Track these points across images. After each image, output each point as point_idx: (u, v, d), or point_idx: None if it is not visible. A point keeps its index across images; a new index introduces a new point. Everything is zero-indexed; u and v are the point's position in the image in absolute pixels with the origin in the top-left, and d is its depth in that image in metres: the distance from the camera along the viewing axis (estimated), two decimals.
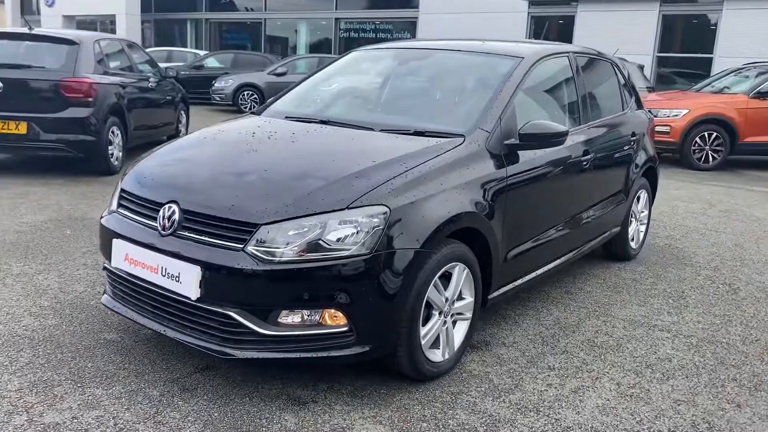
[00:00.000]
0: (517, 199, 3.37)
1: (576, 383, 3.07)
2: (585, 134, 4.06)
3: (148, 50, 19.82)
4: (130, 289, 2.94)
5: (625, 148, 4.62)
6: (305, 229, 2.57)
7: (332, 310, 2.61)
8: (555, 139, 3.38)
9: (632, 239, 5.04)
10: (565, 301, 4.14)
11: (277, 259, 2.53)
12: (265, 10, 23.07)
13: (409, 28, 19.67)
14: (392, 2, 20.11)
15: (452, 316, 3.06)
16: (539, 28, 17.42)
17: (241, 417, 2.64)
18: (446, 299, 2.97)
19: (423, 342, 2.86)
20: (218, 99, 15.42)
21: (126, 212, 3.02)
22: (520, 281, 3.57)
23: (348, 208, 2.62)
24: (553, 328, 3.69)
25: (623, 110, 4.83)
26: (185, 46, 25.19)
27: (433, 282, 2.84)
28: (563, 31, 17.20)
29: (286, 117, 3.68)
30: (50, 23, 26.60)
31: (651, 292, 4.40)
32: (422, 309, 2.80)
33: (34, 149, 6.84)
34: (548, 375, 3.13)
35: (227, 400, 2.76)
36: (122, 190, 3.12)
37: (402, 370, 2.90)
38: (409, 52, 4.25)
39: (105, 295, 3.14)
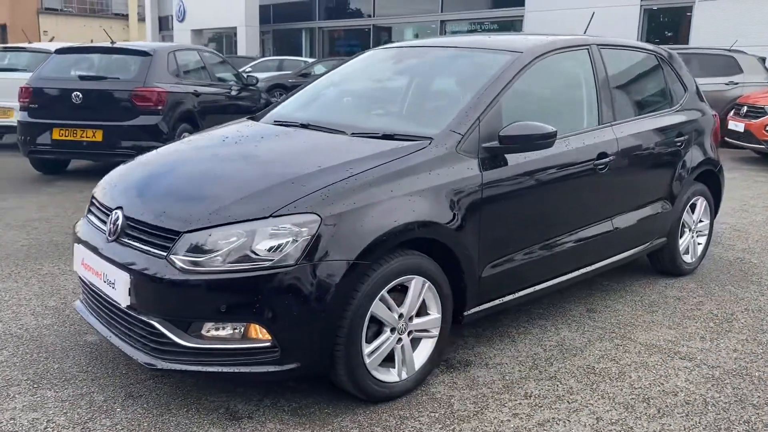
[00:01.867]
0: (500, 208, 3.07)
1: (547, 415, 2.73)
2: (604, 135, 3.64)
3: (263, 59, 20.75)
4: (88, 294, 2.99)
5: (667, 149, 4.12)
6: (227, 238, 2.46)
7: (256, 325, 2.48)
8: (540, 141, 3.04)
9: (685, 252, 4.49)
10: (582, 319, 3.74)
11: (197, 268, 2.45)
12: (374, 16, 23.33)
13: (516, 27, 19.07)
14: (498, 1, 19.61)
15: (411, 333, 2.83)
16: (653, 22, 16.26)
17: (169, 429, 2.58)
18: (400, 315, 2.75)
19: (368, 361, 2.66)
20: None
21: (89, 217, 3.07)
22: (509, 297, 3.25)
23: (272, 216, 2.48)
24: (553, 350, 3.33)
25: (670, 107, 4.30)
26: (300, 55, 26.06)
27: (379, 296, 2.63)
28: (680, 23, 15.93)
29: (275, 121, 3.60)
30: (181, 37, 28.53)
31: (692, 313, 3.88)
32: (364, 325, 2.61)
33: (110, 155, 7.25)
34: (519, 403, 2.82)
35: (165, 410, 2.71)
36: (92, 196, 3.17)
37: (347, 390, 2.72)
38: (409, 50, 4.03)
39: (77, 300, 3.21)
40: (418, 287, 2.78)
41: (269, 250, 2.44)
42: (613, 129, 3.71)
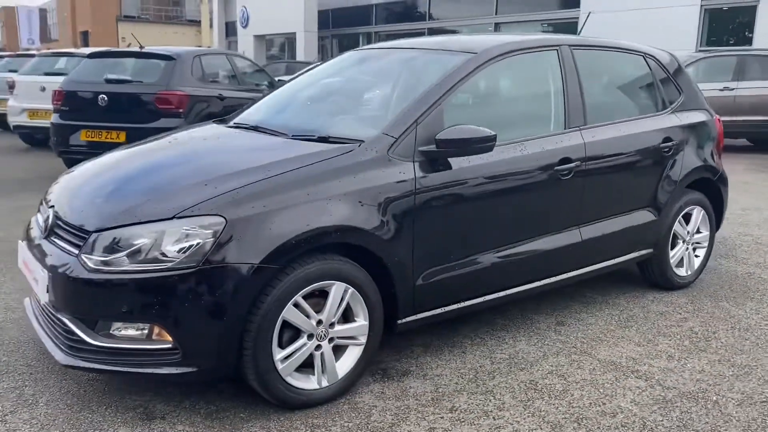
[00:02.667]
0: (438, 214, 2.98)
1: (465, 431, 2.62)
2: (570, 140, 3.47)
3: (317, 63, 20.98)
4: (30, 290, 3.07)
5: (650, 155, 3.89)
6: (134, 239, 2.48)
7: (158, 326, 2.49)
8: (478, 145, 2.93)
9: (678, 265, 4.23)
10: (546, 332, 3.58)
11: (104, 267, 2.47)
12: (429, 20, 23.24)
13: (571, 29, 18.58)
14: (553, 3, 19.16)
15: (332, 340, 2.77)
16: (714, 22, 15.50)
17: (81, 426, 2.62)
18: (319, 321, 2.70)
19: (281, 367, 2.62)
20: None
21: (37, 215, 3.16)
22: (452, 307, 3.14)
23: (176, 217, 2.48)
24: (501, 363, 3.20)
25: (658, 111, 4.06)
26: None
27: (292, 301, 2.59)
28: (743, 24, 15.12)
29: (234, 123, 3.61)
30: (244, 42, 29.28)
31: (670, 329, 3.65)
32: (275, 330, 2.57)
33: None
34: (441, 417, 2.71)
35: (85, 406, 2.76)
36: (44, 195, 3.26)
37: (262, 396, 2.68)
38: (377, 53, 3.95)
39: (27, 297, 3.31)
40: (339, 293, 2.72)
41: (179, 251, 2.44)
42: (582, 133, 3.53)
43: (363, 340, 2.85)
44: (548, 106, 3.53)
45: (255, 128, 3.38)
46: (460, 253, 3.11)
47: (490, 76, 3.33)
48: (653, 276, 4.20)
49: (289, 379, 2.67)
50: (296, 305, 2.62)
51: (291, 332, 2.67)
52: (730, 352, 3.38)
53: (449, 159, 3.01)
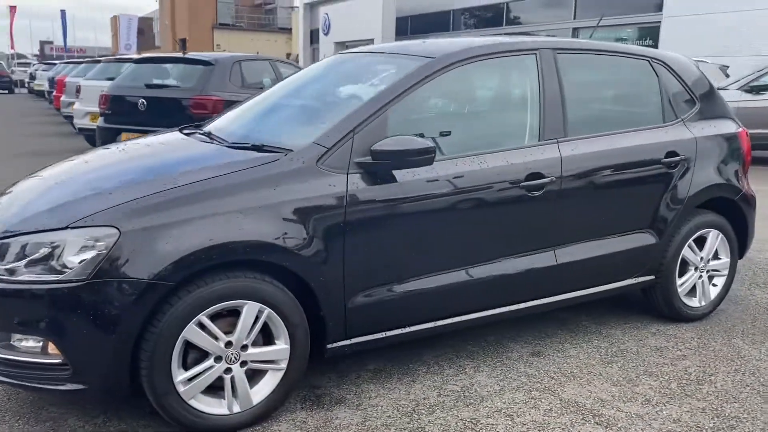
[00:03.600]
0: (375, 232, 2.74)
1: None
2: (543, 153, 3.14)
3: None
4: None
5: (649, 171, 3.48)
6: (29, 248, 2.40)
7: (48, 339, 2.39)
8: (414, 157, 2.68)
9: (689, 294, 3.78)
10: (515, 363, 3.25)
11: (2, 277, 2.41)
12: (506, 25, 22.69)
13: (652, 35, 17.58)
14: (633, 7, 18.20)
15: (245, 363, 2.59)
16: None
17: None
18: (228, 343, 2.53)
19: (182, 389, 2.47)
20: None
21: None
22: (394, 332, 2.89)
23: (69, 227, 2.38)
24: (449, 396, 2.92)
25: (665, 122, 3.63)
26: None
27: (195, 321, 2.44)
28: None
29: (189, 131, 3.50)
30: (325, 48, 29.72)
31: (660, 368, 3.23)
32: (174, 351, 2.42)
33: None
34: None
35: (1, 418, 2.71)
36: None
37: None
38: (347, 56, 3.73)
39: None
40: (251, 314, 2.54)
41: (60, 263, 2.34)
42: (560, 147, 3.19)
43: (284, 365, 2.66)
44: (519, 116, 3.21)
45: (207, 135, 3.26)
46: (402, 275, 2.85)
47: (451, 83, 3.05)
48: (658, 306, 3.77)
49: (194, 402, 2.51)
50: (202, 325, 2.46)
51: (197, 353, 2.51)
52: (721, 399, 2.95)
53: (393, 172, 2.78)
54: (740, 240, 3.94)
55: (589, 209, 3.31)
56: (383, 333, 2.88)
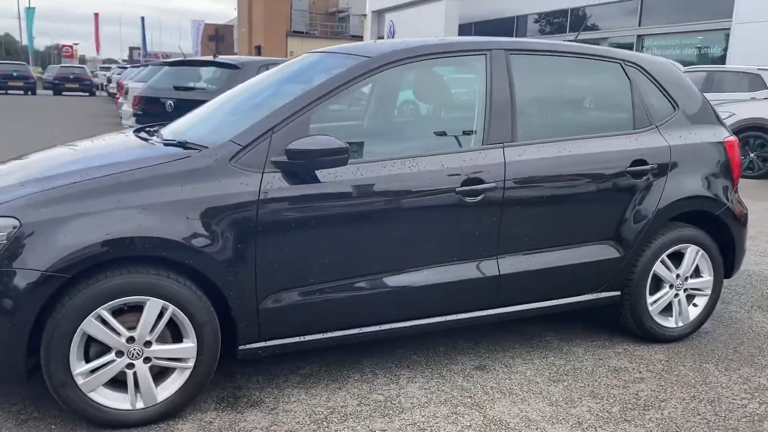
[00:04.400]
0: (291, 233, 2.69)
1: None
2: (485, 158, 3.00)
3: None
4: None
5: (610, 179, 3.27)
6: None
7: None
8: (327, 157, 2.61)
9: (664, 313, 3.53)
10: (455, 376, 3.12)
11: None
12: (568, 32, 22.12)
13: (722, 42, 16.71)
14: (701, 13, 17.35)
15: (149, 360, 2.58)
16: None
17: None
18: (131, 338, 2.53)
19: (82, 381, 2.49)
20: None
21: None
22: (312, 337, 2.82)
23: None
24: (368, 406, 2.82)
25: (634, 128, 3.41)
26: None
27: (94, 314, 2.45)
28: None
29: (140, 128, 3.55)
30: None
31: (608, 390, 3.03)
32: (72, 343, 2.44)
33: None
34: None
35: None
36: None
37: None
38: (306, 55, 3.67)
39: None
40: (154, 311, 2.53)
41: None
42: (505, 151, 3.04)
43: (191, 363, 2.64)
44: (462, 119, 3.10)
45: (152, 133, 3.30)
46: (321, 280, 2.78)
47: (387, 83, 2.97)
48: (628, 324, 3.54)
49: (94, 395, 2.53)
50: (102, 319, 2.48)
51: (99, 347, 2.52)
52: (661, 427, 2.73)
53: (318, 173, 2.72)
54: (727, 258, 3.66)
55: (537, 218, 3.14)
56: (300, 337, 2.82)
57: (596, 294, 3.37)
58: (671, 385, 3.10)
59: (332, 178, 2.74)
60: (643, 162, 3.32)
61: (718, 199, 3.51)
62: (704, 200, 3.48)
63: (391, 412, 2.78)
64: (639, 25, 19.15)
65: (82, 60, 65.79)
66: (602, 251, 3.30)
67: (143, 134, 3.30)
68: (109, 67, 37.70)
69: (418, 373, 3.14)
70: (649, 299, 3.47)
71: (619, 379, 3.15)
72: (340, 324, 2.88)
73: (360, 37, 50.55)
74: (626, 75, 3.43)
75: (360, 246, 2.82)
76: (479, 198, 2.96)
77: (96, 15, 39.30)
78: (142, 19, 42.24)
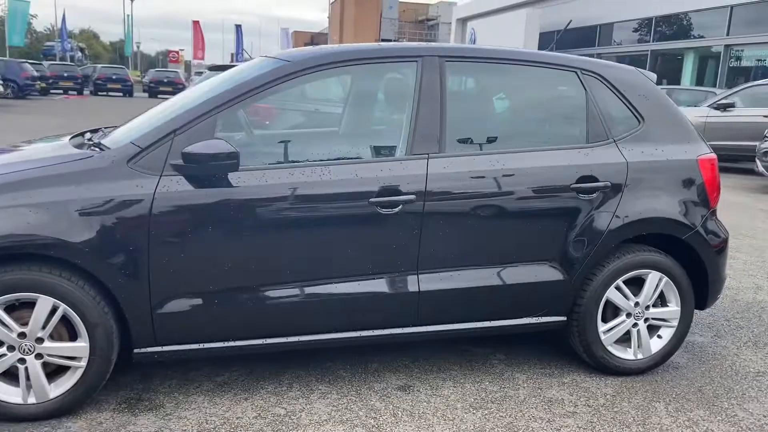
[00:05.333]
0: (188, 238, 2.66)
1: None
2: (406, 168, 2.85)
3: None
4: None
5: (551, 197, 3.03)
6: None
7: None
8: (216, 162, 2.57)
9: (620, 344, 3.26)
10: (369, 395, 2.99)
11: None
12: (653, 41, 21.11)
13: None
14: None
15: (41, 356, 2.62)
16: None
17: None
18: (22, 334, 2.58)
19: None
20: None
21: None
22: (213, 345, 2.77)
23: None
24: (265, 420, 2.74)
25: (588, 143, 3.15)
26: None
27: None
28: None
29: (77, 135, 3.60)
30: None
31: (528, 423, 2.81)
32: None
33: None
34: None
35: None
36: None
37: None
38: (252, 60, 3.62)
39: None
40: (45, 308, 2.57)
41: None
42: (430, 163, 2.89)
43: (84, 363, 2.65)
44: (385, 128, 2.97)
45: (80, 135, 3.36)
46: (222, 286, 2.73)
47: (306, 88, 2.89)
48: (579, 354, 3.28)
49: None
50: None
51: None
52: None
53: (224, 177, 2.68)
54: (700, 287, 3.33)
55: (464, 235, 2.96)
56: (200, 345, 2.78)
57: (539, 318, 3.14)
58: (603, 423, 2.84)
59: (235, 184, 2.69)
60: (592, 179, 3.07)
61: (684, 223, 3.19)
62: (666, 223, 3.18)
63: (284, 427, 2.70)
64: (727, 35, 18.03)
65: (188, 65, 69.10)
66: (541, 273, 3.07)
67: (75, 139, 3.32)
68: (202, 72, 39.53)
69: (335, 390, 3.03)
70: (602, 327, 3.20)
71: (548, 411, 2.92)
72: (243, 333, 2.82)
73: None
74: (582, 85, 3.18)
75: (264, 254, 2.75)
76: (396, 210, 2.82)
77: (195, 23, 41.17)
78: (237, 26, 43.92)
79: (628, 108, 3.23)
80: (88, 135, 3.39)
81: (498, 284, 3.02)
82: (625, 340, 3.28)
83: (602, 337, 3.21)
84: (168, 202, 2.62)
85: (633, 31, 22.50)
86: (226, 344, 2.81)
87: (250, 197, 2.70)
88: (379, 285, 2.89)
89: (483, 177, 2.95)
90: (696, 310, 3.40)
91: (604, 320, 3.22)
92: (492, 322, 3.09)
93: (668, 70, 20.72)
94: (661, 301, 3.30)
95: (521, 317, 3.12)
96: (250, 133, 3.25)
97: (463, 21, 34.39)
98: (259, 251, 2.75)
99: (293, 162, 2.82)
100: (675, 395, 3.12)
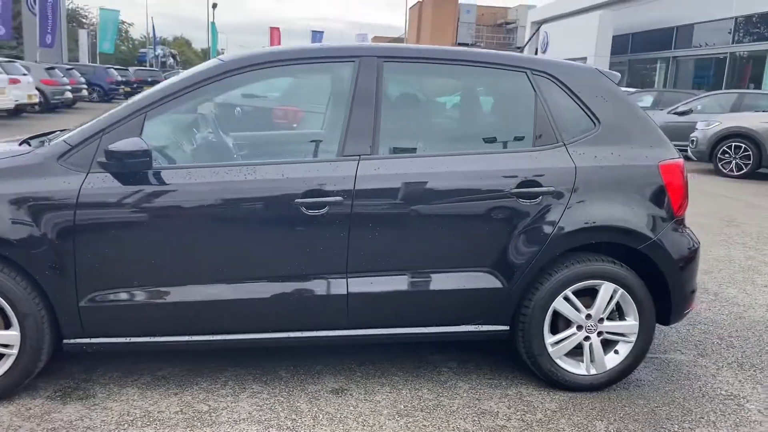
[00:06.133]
0: (110, 233, 2.74)
1: None
2: (334, 170, 2.82)
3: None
4: None
5: (488, 202, 2.92)
6: None
7: None
8: (130, 159, 2.63)
9: (573, 357, 3.10)
10: (299, 397, 2.97)
11: None
12: (733, 43, 19.97)
13: None
14: None
15: None
16: None
17: None
18: None
19: None
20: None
21: None
22: (139, 340, 2.84)
23: None
24: (184, 415, 2.78)
25: (534, 146, 3.02)
26: (653, 86, 24.04)
27: None
28: None
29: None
30: None
31: None
32: None
33: None
34: None
35: None
36: None
37: None
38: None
39: None
40: None
41: None
42: (360, 165, 2.85)
43: (15, 351, 2.77)
44: (321, 128, 2.94)
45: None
46: (147, 282, 2.79)
47: (236, 89, 2.92)
48: (528, 366, 3.15)
49: None
50: None
51: None
52: None
53: (147, 175, 2.75)
54: (662, 301, 3.13)
55: (395, 239, 2.89)
56: (127, 338, 2.85)
57: (478, 326, 3.04)
58: None
59: (159, 182, 2.75)
60: (534, 183, 2.94)
61: (639, 232, 3.01)
62: (618, 231, 3.00)
63: (198, 423, 2.72)
64: None
65: None
66: (478, 280, 2.97)
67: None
68: None
69: (267, 390, 3.03)
70: (549, 339, 3.06)
71: (476, 423, 2.81)
72: (170, 330, 2.87)
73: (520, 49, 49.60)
74: (532, 86, 3.05)
75: (188, 252, 2.79)
76: (323, 211, 2.80)
77: (273, 29, 42.32)
78: (315, 32, 44.85)
79: (583, 110, 3.08)
80: (57, 134, 3.55)
81: (431, 290, 2.94)
82: (579, 354, 3.12)
83: (550, 349, 3.07)
84: (92, 199, 2.71)
85: (711, 32, 21.38)
86: (152, 339, 2.87)
87: (173, 196, 2.75)
88: (307, 287, 2.87)
89: (415, 180, 2.89)
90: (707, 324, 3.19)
91: (555, 332, 3.08)
92: (428, 328, 3.01)
93: (749, 73, 19.59)
94: (620, 314, 3.12)
95: (459, 325, 3.03)
96: (190, 134, 3.31)
97: (538, 24, 33.70)
98: (183, 250, 2.79)
99: (222, 161, 2.85)
100: (623, 414, 2.94)
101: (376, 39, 75.93)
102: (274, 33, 41.91)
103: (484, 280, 2.97)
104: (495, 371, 3.31)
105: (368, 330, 2.97)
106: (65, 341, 2.83)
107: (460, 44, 54.88)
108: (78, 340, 2.83)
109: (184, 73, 3.09)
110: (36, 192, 2.70)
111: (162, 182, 2.74)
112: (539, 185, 2.94)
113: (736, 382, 3.32)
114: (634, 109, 3.15)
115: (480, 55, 3.12)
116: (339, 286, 2.89)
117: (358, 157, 2.87)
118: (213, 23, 40.68)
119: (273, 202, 2.80)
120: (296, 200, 2.79)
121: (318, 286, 2.88)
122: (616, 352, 3.13)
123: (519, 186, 2.93)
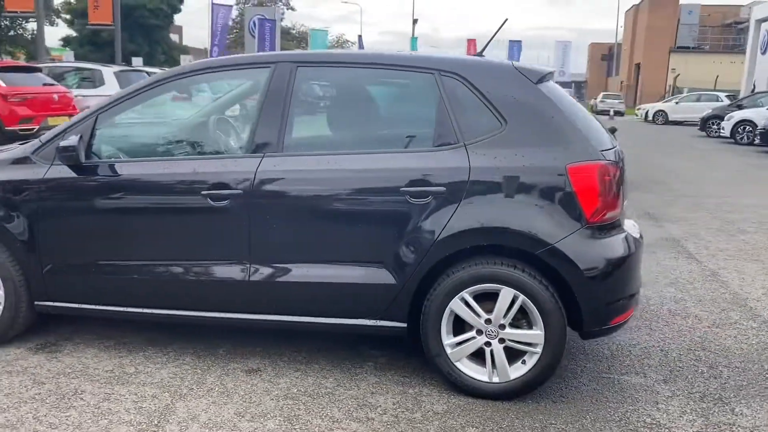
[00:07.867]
0: (59, 214, 3.32)
1: None
2: (239, 165, 3.10)
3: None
4: None
5: (379, 199, 2.98)
6: None
7: None
8: (62, 153, 3.17)
9: (475, 361, 3.03)
10: (207, 375, 3.28)
11: None
12: None
13: None
14: None
15: None
16: None
17: None
18: None
19: None
20: None
21: None
22: (94, 307, 3.36)
23: None
24: (107, 373, 3.24)
25: (434, 146, 2.99)
26: None
27: None
28: None
29: None
30: (762, 69, 26.02)
31: (279, 417, 2.85)
32: None
33: None
34: None
35: None
36: None
37: None
38: None
39: None
40: None
41: None
42: (263, 161, 3.08)
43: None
44: (236, 129, 3.24)
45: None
46: (94, 257, 3.30)
47: (170, 94, 3.32)
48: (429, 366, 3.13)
49: None
50: None
51: None
52: None
53: (112, 166, 3.28)
54: (574, 311, 2.93)
55: (293, 230, 3.08)
56: (80, 304, 3.38)
57: (375, 321, 3.09)
58: None
59: (96, 174, 3.26)
60: (424, 183, 2.94)
61: (536, 236, 2.85)
62: (511, 235, 2.87)
63: (116, 381, 3.15)
64: None
65: None
66: (372, 275, 3.03)
67: None
68: None
69: (197, 362, 3.36)
70: (447, 340, 3.02)
71: (347, 414, 2.89)
72: (112, 300, 3.35)
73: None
74: (438, 87, 3.04)
75: (115, 236, 3.27)
76: (225, 203, 3.09)
77: (470, 41, 42.79)
78: (512, 42, 44.47)
79: (490, 110, 2.99)
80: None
81: (326, 282, 3.08)
82: (477, 358, 3.04)
83: (449, 351, 3.03)
84: (49, 185, 3.29)
85: None
86: (97, 307, 3.38)
87: (104, 185, 3.24)
88: (213, 270, 3.18)
89: (312, 177, 3.06)
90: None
91: (454, 333, 3.03)
92: (325, 318, 3.14)
93: None
94: (527, 322, 2.98)
95: (356, 318, 3.11)
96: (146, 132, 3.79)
97: (761, 22, 30.15)
98: (111, 233, 3.27)
99: (149, 156, 3.27)
100: (504, 426, 2.81)
101: (593, 46, 72.60)
102: (471, 44, 42.29)
103: (377, 275, 3.03)
104: (416, 371, 3.31)
105: (271, 316, 3.19)
106: (36, 303, 3.44)
107: (679, 48, 50.71)
108: (45, 303, 3.43)
109: (134, 84, 3.58)
110: (15, 178, 3.35)
111: (95, 173, 3.25)
112: (429, 184, 2.94)
113: (677, 412, 2.96)
114: (550, 108, 2.98)
115: (391, 58, 3.18)
116: (239, 273, 3.15)
117: (262, 154, 3.11)
118: (415, 38, 42.25)
119: (185, 193, 3.16)
120: (203, 192, 3.12)
121: (224, 271, 3.17)
122: (524, 362, 2.99)
123: (409, 185, 2.95)
